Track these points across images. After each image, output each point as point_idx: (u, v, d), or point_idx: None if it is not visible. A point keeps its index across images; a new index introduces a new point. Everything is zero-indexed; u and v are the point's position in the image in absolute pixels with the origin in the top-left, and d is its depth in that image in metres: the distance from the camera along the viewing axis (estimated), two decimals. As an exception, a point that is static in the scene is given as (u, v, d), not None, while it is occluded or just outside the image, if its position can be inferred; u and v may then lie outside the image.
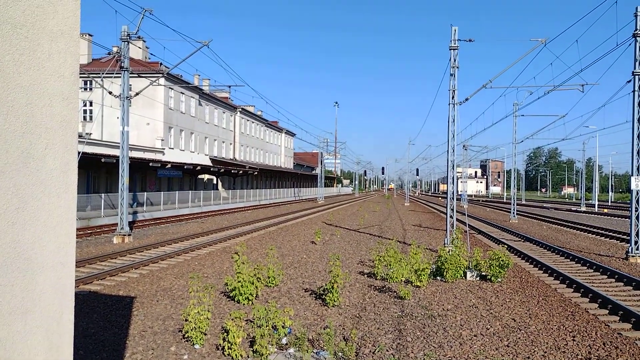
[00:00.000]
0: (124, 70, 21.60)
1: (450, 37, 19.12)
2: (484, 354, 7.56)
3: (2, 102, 2.34)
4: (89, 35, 49.65)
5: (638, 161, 17.86)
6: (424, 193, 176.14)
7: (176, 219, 33.20)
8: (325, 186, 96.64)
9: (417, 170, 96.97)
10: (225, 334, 7.32)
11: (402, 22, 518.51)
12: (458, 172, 73.62)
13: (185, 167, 43.62)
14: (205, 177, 59.98)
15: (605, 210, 55.89)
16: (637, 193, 18.05)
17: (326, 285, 10.62)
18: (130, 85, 23.34)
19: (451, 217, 19.93)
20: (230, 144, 70.32)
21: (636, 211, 17.92)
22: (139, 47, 49.34)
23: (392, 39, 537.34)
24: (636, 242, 17.95)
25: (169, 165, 40.50)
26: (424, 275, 12.28)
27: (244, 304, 10.34)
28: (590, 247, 21.54)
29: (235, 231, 25.94)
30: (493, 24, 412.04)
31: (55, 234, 2.68)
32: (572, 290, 12.62)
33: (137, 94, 23.40)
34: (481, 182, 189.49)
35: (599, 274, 15.02)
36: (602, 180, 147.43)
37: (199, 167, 47.27)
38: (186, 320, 7.81)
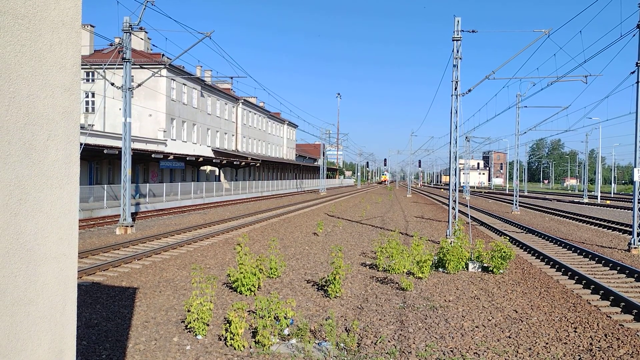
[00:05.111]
0: (126, 62, 21.56)
1: (453, 27, 18.99)
2: (485, 345, 7.59)
3: (4, 93, 2.33)
4: (91, 26, 49.50)
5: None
6: (426, 185, 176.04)
7: (178, 210, 33.27)
8: (327, 178, 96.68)
9: (420, 162, 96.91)
10: (228, 324, 7.35)
11: (406, 8, 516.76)
12: (460, 164, 73.50)
13: (187, 158, 43.62)
14: (208, 168, 60.01)
15: (608, 202, 55.78)
16: (640, 185, 17.99)
17: (328, 276, 10.65)
18: (132, 76, 23.32)
19: (453, 208, 19.91)
20: (233, 135, 70.28)
21: (639, 203, 17.88)
22: (141, 38, 49.24)
23: (396, 26, 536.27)
24: (638, 234, 17.92)
25: (171, 157, 40.51)
26: (425, 266, 12.30)
27: (246, 295, 10.38)
28: (592, 239, 21.53)
29: (237, 222, 25.98)
30: (497, 12, 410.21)
31: (57, 225, 2.69)
32: (574, 281, 12.62)
33: (139, 85, 23.37)
34: (483, 174, 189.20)
35: (601, 265, 15.02)
36: (604, 172, 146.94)
37: (201, 159, 47.27)
38: (189, 311, 7.85)
